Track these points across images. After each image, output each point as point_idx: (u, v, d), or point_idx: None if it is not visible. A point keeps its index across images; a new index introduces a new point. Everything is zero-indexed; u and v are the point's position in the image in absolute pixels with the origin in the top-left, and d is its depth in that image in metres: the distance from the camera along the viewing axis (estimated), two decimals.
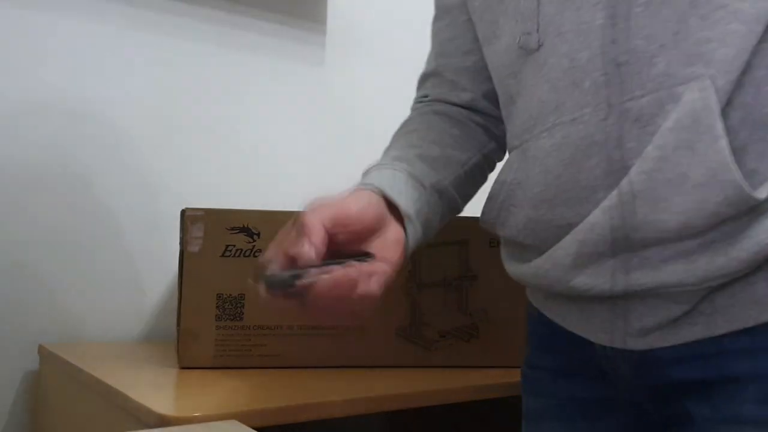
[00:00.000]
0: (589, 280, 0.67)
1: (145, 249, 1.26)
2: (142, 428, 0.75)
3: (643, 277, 0.64)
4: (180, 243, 0.99)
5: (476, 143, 0.86)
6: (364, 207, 0.71)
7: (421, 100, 0.93)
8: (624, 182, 0.64)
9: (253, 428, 0.63)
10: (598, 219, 0.65)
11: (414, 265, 1.02)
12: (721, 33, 0.60)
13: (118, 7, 1.24)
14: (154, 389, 0.87)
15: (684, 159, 0.61)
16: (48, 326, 1.16)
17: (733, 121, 0.60)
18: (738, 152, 0.59)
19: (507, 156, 0.79)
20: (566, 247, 0.68)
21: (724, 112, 0.60)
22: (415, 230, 0.75)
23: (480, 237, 1.04)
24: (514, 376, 1.00)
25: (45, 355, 1.10)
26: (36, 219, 1.16)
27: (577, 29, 0.67)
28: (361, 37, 1.52)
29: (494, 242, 1.05)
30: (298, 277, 0.63)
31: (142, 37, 1.26)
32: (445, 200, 0.81)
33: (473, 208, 1.32)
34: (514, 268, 0.78)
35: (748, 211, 0.59)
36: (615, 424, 0.74)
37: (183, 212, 0.98)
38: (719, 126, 0.59)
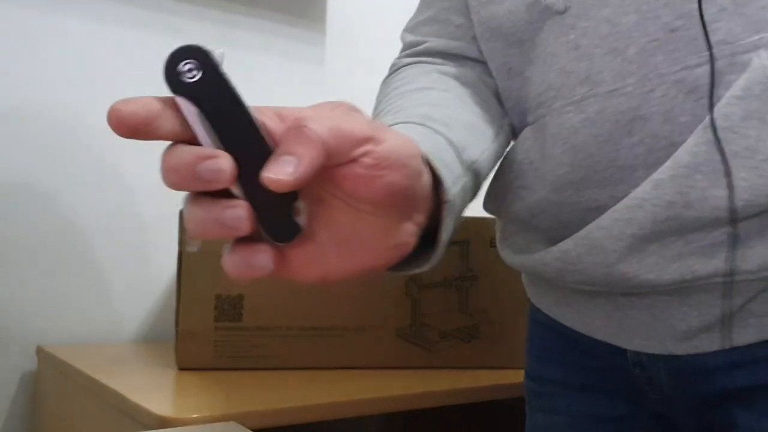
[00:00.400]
0: (631, 268, 0.58)
1: (143, 249, 1.25)
2: (141, 430, 0.75)
3: (695, 263, 0.56)
4: (178, 243, 0.99)
5: (496, 114, 0.69)
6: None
7: (413, 53, 0.76)
8: (680, 154, 0.56)
9: (252, 430, 0.63)
10: (647, 195, 0.57)
11: None
12: None
13: (116, 7, 1.23)
14: (153, 391, 0.87)
15: (752, 131, 0.54)
16: (46, 327, 1.16)
17: None
18: None
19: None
20: (607, 227, 0.59)
21: None
22: (453, 220, 0.57)
23: (480, 237, 1.04)
24: (515, 377, 1.00)
25: (43, 356, 1.10)
26: (34, 219, 1.15)
27: None
28: (361, 37, 1.52)
29: (495, 242, 1.04)
30: None
31: (140, 37, 1.25)
32: (476, 185, 0.62)
33: (473, 209, 1.32)
34: (518, 258, 0.69)
35: None
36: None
37: (181, 212, 0.98)
38: None
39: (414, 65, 0.74)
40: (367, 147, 0.42)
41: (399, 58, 0.78)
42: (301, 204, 0.42)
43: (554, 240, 0.63)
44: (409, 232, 0.48)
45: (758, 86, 0.54)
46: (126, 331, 1.23)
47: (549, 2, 0.63)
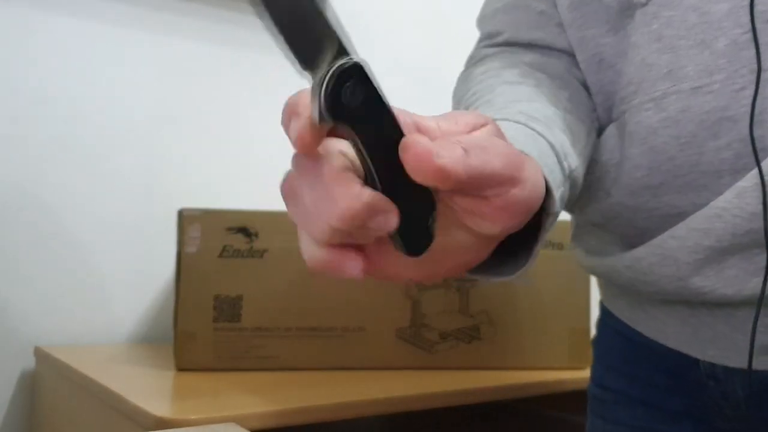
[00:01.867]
0: (708, 282, 0.55)
1: (141, 250, 1.25)
2: (140, 431, 0.75)
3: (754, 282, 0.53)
4: (177, 244, 0.98)
5: (587, 110, 0.62)
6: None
7: (493, 43, 0.69)
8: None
9: (252, 431, 0.63)
10: (728, 204, 0.53)
11: None
12: None
13: (115, 6, 1.23)
14: (152, 392, 0.86)
15: None
16: (44, 328, 1.15)
17: None
18: None
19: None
20: (682, 237, 0.55)
21: None
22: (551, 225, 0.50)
23: None
24: (515, 378, 1.00)
25: (41, 357, 1.09)
26: (32, 219, 1.15)
27: None
28: (361, 38, 1.51)
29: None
30: None
31: (139, 36, 1.25)
32: (572, 195, 0.55)
33: None
34: (590, 261, 0.66)
35: None
36: None
37: (180, 212, 0.97)
38: None
39: (496, 56, 0.66)
40: (504, 189, 0.38)
41: (477, 48, 0.71)
42: (434, 215, 0.38)
43: (629, 245, 0.59)
44: (492, 247, 0.44)
45: None
46: (124, 332, 1.23)
47: None
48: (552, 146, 0.51)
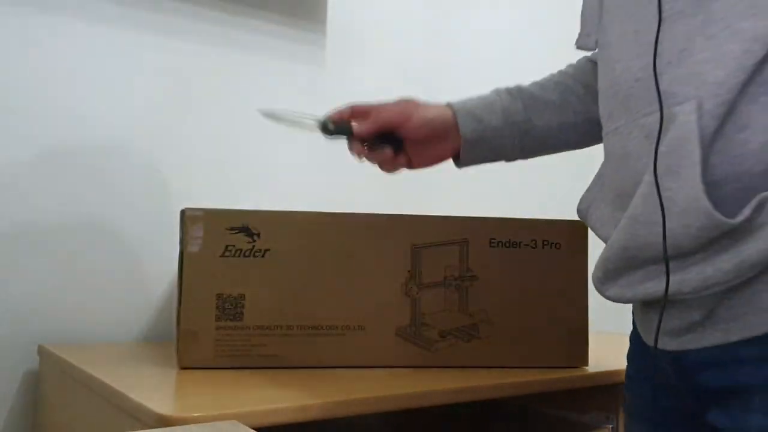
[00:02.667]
0: (611, 292, 0.72)
1: (144, 249, 1.26)
2: (142, 428, 0.75)
3: (651, 287, 0.67)
4: (180, 243, 0.99)
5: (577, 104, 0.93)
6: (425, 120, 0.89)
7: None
8: (633, 201, 0.66)
9: (253, 428, 0.63)
10: (615, 237, 0.69)
11: (414, 265, 1.02)
12: (719, 53, 0.59)
13: (118, 8, 1.24)
14: (154, 389, 0.87)
15: (673, 183, 0.61)
16: (48, 326, 1.16)
17: (715, 149, 0.60)
18: (714, 183, 0.60)
19: None
20: (601, 258, 0.72)
21: (711, 137, 0.59)
22: (466, 115, 0.90)
23: (480, 237, 1.04)
24: (514, 376, 1.00)
25: (45, 355, 1.10)
26: (35, 219, 1.16)
27: (619, 40, 0.68)
28: (361, 38, 1.52)
29: (494, 242, 1.04)
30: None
31: (141, 38, 1.26)
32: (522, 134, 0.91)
33: (473, 209, 1.33)
34: None
35: (728, 233, 0.60)
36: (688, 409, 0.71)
37: (182, 212, 0.98)
38: (697, 153, 0.59)
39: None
40: (401, 127, 0.89)
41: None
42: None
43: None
44: (450, 149, 0.92)
45: (676, 142, 0.61)
46: (127, 330, 1.24)
47: (580, 43, 0.77)
48: (502, 107, 0.90)
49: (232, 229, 0.98)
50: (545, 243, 1.05)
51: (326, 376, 0.95)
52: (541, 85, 0.92)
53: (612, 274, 0.70)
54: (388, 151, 0.89)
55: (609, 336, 1.42)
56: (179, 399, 0.85)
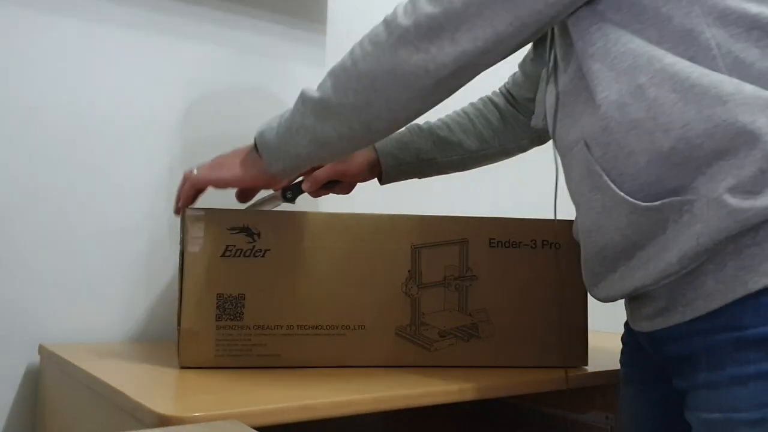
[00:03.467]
0: (598, 294, 0.85)
1: (145, 249, 1.26)
2: (142, 428, 0.75)
3: (617, 286, 0.81)
4: (180, 243, 0.99)
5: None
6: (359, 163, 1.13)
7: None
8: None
9: (254, 428, 0.63)
10: (582, 245, 0.85)
11: (414, 264, 1.02)
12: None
13: (116, 7, 1.24)
14: (154, 389, 0.87)
15: (598, 194, 0.79)
16: (48, 326, 1.16)
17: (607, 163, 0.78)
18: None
19: None
20: (581, 263, 0.88)
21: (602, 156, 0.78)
22: (386, 155, 1.14)
23: (480, 237, 1.04)
24: (514, 376, 1.00)
25: (45, 354, 1.10)
26: (36, 219, 1.16)
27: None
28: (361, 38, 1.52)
29: (494, 242, 1.05)
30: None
31: (141, 37, 1.26)
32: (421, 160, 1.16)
33: (473, 209, 1.32)
34: None
35: (663, 229, 0.76)
36: (663, 393, 0.88)
37: (183, 212, 0.98)
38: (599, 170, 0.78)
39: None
40: (342, 176, 1.14)
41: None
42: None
43: None
44: (374, 176, 1.16)
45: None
46: (127, 330, 1.24)
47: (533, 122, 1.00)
48: (404, 142, 1.16)
49: (232, 229, 0.98)
50: (545, 243, 1.05)
51: (326, 375, 0.95)
52: (447, 124, 1.17)
53: (595, 278, 0.84)
54: (336, 189, 1.16)
55: (608, 336, 1.42)
56: (179, 399, 0.85)
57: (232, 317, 0.98)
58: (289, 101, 1.46)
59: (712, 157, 0.71)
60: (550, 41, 0.89)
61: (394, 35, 0.80)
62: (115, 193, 1.23)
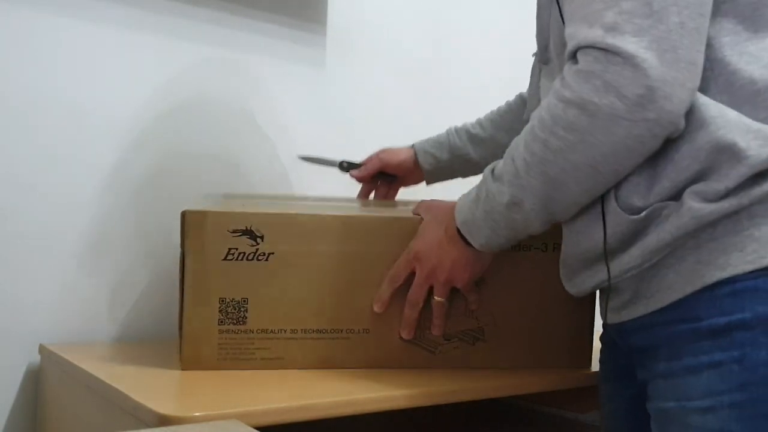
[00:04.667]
0: (571, 288, 0.90)
1: (146, 249, 1.26)
2: (143, 428, 0.75)
3: (588, 280, 0.85)
4: (181, 246, 0.98)
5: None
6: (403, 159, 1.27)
7: None
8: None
9: (254, 428, 0.63)
10: (564, 243, 0.89)
11: None
12: None
13: (119, 9, 1.24)
14: (155, 389, 0.87)
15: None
16: (49, 326, 1.16)
17: None
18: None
19: None
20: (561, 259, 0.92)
21: None
22: (424, 153, 1.26)
23: None
24: (514, 376, 1.00)
25: (46, 354, 1.10)
26: (36, 219, 1.16)
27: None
28: (361, 38, 1.52)
29: None
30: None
31: (142, 39, 1.26)
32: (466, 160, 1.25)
33: None
34: None
35: (634, 229, 0.79)
36: (636, 389, 0.87)
37: (183, 214, 0.96)
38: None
39: None
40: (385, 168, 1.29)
41: None
42: None
43: None
44: (419, 177, 1.29)
45: None
46: (128, 329, 1.24)
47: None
48: (448, 142, 1.26)
49: (235, 231, 0.95)
50: (556, 246, 1.03)
51: (327, 375, 0.95)
52: (480, 123, 1.26)
53: (571, 273, 0.88)
54: (381, 186, 1.30)
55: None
56: (180, 398, 0.85)
57: (234, 321, 0.95)
58: (289, 102, 1.46)
59: (696, 174, 0.75)
60: (551, 39, 0.90)
61: (600, 117, 0.73)
62: (115, 192, 1.23)
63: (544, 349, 1.04)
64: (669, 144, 0.76)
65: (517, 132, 1.10)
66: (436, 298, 0.98)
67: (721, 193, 0.73)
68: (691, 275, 0.76)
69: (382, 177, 1.29)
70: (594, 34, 0.73)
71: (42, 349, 1.11)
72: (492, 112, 1.27)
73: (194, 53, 1.31)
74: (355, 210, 1.12)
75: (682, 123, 0.74)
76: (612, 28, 0.72)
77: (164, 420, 0.74)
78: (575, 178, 0.78)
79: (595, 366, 1.07)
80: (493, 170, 0.88)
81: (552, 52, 0.91)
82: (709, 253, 0.75)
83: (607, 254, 0.81)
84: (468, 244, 0.91)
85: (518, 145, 0.83)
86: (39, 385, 1.14)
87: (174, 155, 1.29)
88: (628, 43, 0.71)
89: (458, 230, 0.91)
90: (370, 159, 1.29)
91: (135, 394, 0.81)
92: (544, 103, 0.80)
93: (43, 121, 1.17)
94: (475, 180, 1.20)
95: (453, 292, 0.99)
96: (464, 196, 0.93)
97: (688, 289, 0.76)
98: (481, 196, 0.88)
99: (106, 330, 1.22)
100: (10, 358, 1.13)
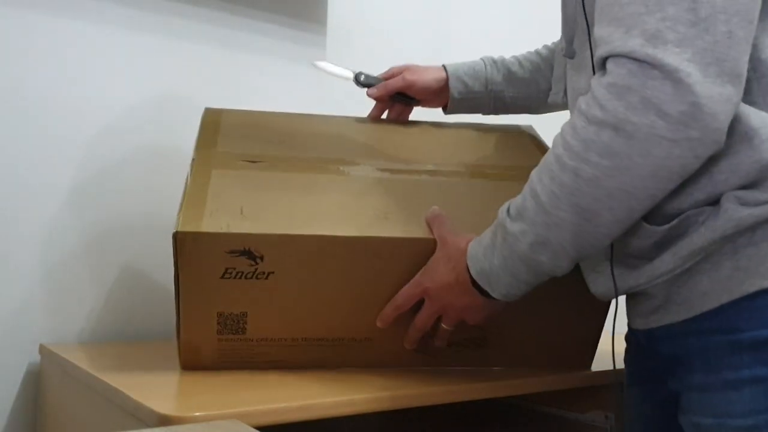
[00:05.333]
0: (596, 290, 0.85)
1: (145, 248, 1.26)
2: (143, 428, 0.75)
3: (621, 280, 0.80)
4: (174, 264, 0.91)
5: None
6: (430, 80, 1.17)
7: None
8: None
9: (255, 427, 0.63)
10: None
11: None
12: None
13: (117, 8, 1.24)
14: (155, 389, 0.87)
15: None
16: (49, 326, 1.16)
17: None
18: None
19: None
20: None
21: None
22: (456, 80, 1.16)
23: None
24: (514, 376, 1.00)
25: (46, 354, 1.10)
26: (36, 219, 1.16)
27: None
28: (361, 38, 1.52)
29: None
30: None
31: (142, 39, 1.26)
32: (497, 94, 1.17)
33: None
34: None
35: (663, 237, 0.75)
36: (665, 394, 0.85)
37: (175, 235, 0.88)
38: None
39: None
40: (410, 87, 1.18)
41: None
42: None
43: None
44: (443, 101, 1.19)
45: None
46: (128, 329, 1.24)
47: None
48: (485, 74, 1.17)
49: (232, 252, 0.88)
50: None
51: (327, 376, 0.95)
52: (519, 61, 1.16)
53: (594, 274, 0.84)
54: (395, 107, 1.21)
55: (608, 336, 1.42)
56: (180, 398, 0.85)
57: (233, 332, 0.93)
58: (289, 102, 1.46)
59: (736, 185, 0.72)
60: (576, 32, 0.86)
61: (638, 138, 0.67)
62: (115, 192, 1.23)
63: (547, 355, 1.03)
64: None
65: (555, 82, 1.03)
66: (443, 326, 0.92)
67: (761, 201, 0.70)
68: (728, 282, 0.71)
69: (399, 97, 1.19)
70: (633, 43, 0.66)
71: (42, 349, 1.11)
72: (530, 52, 1.18)
73: (194, 53, 1.31)
74: (369, 182, 1.02)
75: (723, 141, 0.68)
76: (654, 37, 0.65)
77: (164, 420, 0.74)
78: (609, 206, 0.70)
79: (596, 366, 1.07)
80: (508, 210, 0.79)
81: (577, 47, 0.86)
82: (749, 260, 0.70)
83: (638, 259, 0.77)
84: (484, 293, 0.84)
85: (541, 179, 0.74)
86: (39, 385, 1.13)
87: (173, 155, 1.29)
88: (670, 55, 0.64)
89: (473, 280, 0.84)
90: (392, 74, 1.18)
91: (135, 394, 0.81)
92: (567, 126, 0.73)
93: (42, 121, 1.17)
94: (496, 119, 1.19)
95: None
96: (476, 241, 0.84)
97: (725, 298, 0.71)
98: (497, 241, 0.80)
99: (106, 330, 1.22)
100: (10, 358, 1.13)
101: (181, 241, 0.87)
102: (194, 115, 1.31)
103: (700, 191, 0.72)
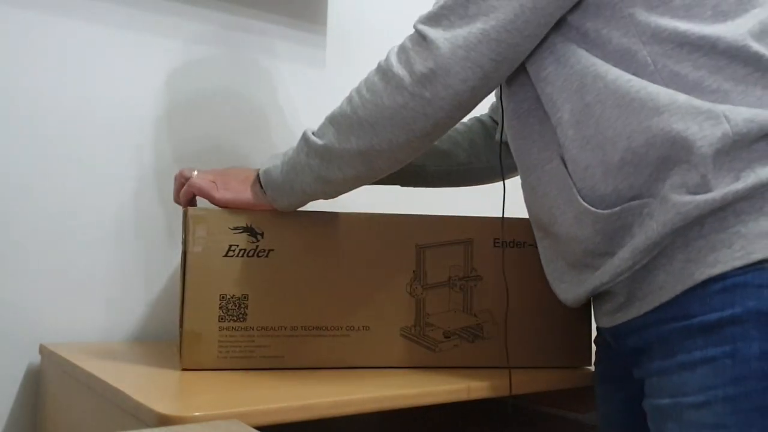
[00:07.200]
0: (561, 294, 0.92)
1: (145, 248, 1.26)
2: (143, 428, 0.75)
3: (587, 282, 0.86)
4: (182, 243, 0.99)
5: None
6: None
7: None
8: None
9: (255, 427, 0.63)
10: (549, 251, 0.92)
11: (419, 265, 1.02)
12: None
13: (117, 8, 1.24)
14: (155, 389, 0.87)
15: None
16: (49, 325, 1.16)
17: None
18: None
19: None
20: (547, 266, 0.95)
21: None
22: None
23: (485, 237, 1.04)
24: (514, 376, 1.00)
25: (46, 354, 1.10)
26: (36, 219, 1.16)
27: None
28: (362, 39, 1.52)
29: (498, 242, 1.04)
30: None
31: (142, 39, 1.26)
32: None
33: (478, 209, 1.33)
34: None
35: (621, 230, 0.81)
36: (631, 391, 0.90)
37: (185, 212, 0.98)
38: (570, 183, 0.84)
39: None
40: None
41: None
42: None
43: None
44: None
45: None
46: (128, 329, 1.24)
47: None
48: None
49: (235, 228, 0.97)
50: None
51: (327, 375, 0.95)
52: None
53: (560, 279, 0.91)
54: None
55: None
56: (180, 398, 0.85)
57: (235, 318, 0.97)
58: (289, 102, 1.46)
59: (659, 163, 0.77)
60: None
61: (392, 84, 0.85)
62: (115, 192, 1.23)
63: (544, 348, 1.05)
64: (614, 131, 0.79)
65: (475, 154, 1.18)
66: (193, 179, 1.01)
67: (699, 182, 0.75)
68: (681, 274, 0.78)
69: None
70: (420, 19, 0.85)
71: (42, 349, 1.11)
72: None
73: (194, 53, 1.31)
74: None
75: (455, 115, 0.84)
76: (429, 18, 0.84)
77: (164, 420, 0.74)
78: (357, 134, 0.87)
79: (593, 365, 1.07)
80: (314, 131, 0.94)
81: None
82: (698, 251, 0.77)
83: (595, 257, 0.83)
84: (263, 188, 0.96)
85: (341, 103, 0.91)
86: (39, 385, 1.13)
87: (173, 155, 1.29)
88: (434, 31, 0.82)
89: (259, 179, 0.97)
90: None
91: (135, 394, 0.81)
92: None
93: (42, 121, 1.17)
94: (418, 191, 1.22)
95: (453, 290, 1.01)
96: (270, 159, 0.99)
97: (679, 288, 0.78)
98: (288, 153, 0.95)
99: (107, 330, 1.22)
100: (11, 358, 1.13)
101: (190, 217, 0.96)
102: (194, 116, 1.31)
103: (629, 163, 0.79)
